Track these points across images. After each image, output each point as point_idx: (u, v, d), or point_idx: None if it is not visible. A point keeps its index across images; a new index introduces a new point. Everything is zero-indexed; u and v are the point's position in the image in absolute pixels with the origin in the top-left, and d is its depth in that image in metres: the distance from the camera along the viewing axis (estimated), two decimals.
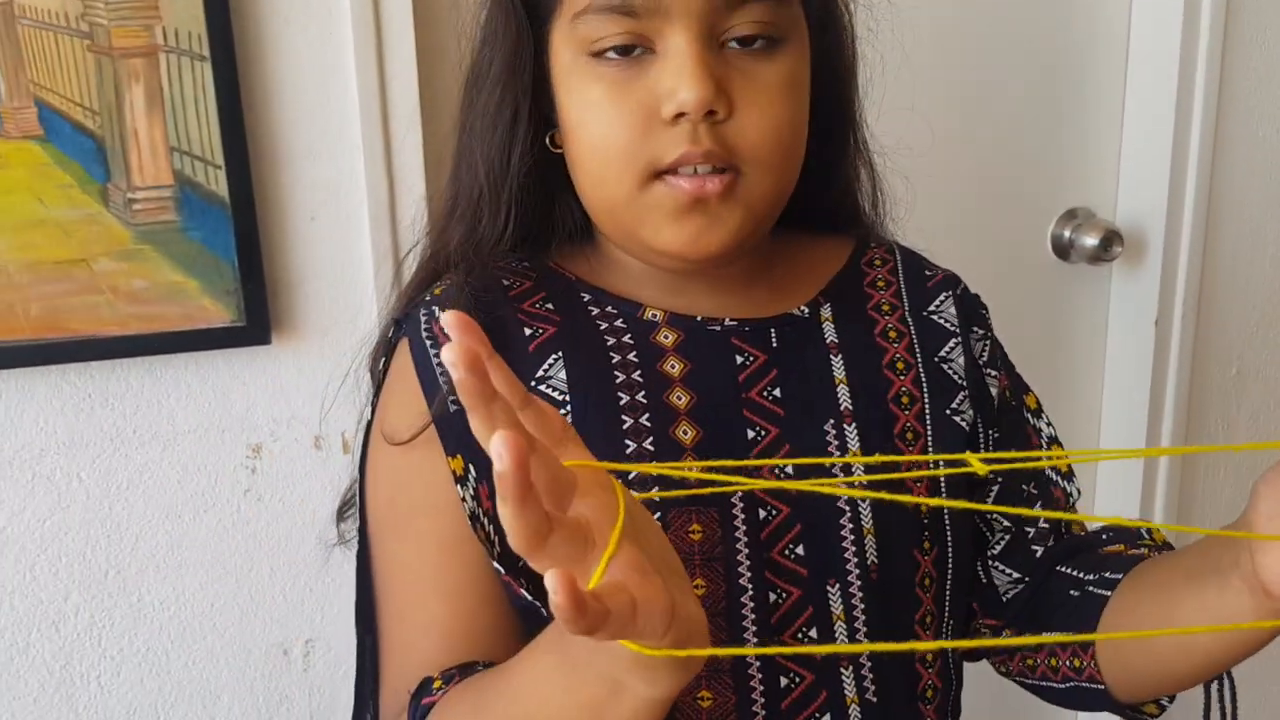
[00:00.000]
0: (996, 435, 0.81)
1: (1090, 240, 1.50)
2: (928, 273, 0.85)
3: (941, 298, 0.83)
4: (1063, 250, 1.54)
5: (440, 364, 0.76)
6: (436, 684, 0.70)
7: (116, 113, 1.11)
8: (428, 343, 0.77)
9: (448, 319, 0.46)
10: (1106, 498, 1.66)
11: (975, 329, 0.83)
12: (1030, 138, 1.51)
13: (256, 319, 1.17)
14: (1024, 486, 0.81)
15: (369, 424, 0.81)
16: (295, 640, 1.29)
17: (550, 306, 0.78)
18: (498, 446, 0.41)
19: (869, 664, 0.75)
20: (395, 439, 0.76)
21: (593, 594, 0.42)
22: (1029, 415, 0.83)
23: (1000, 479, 0.81)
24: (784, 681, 0.73)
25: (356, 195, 1.20)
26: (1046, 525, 0.80)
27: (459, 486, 0.74)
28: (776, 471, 0.74)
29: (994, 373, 0.82)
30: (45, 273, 1.11)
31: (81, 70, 1.09)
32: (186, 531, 1.23)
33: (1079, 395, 1.63)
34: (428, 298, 0.80)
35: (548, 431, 0.50)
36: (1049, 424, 0.85)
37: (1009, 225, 1.53)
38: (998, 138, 1.50)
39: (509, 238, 0.79)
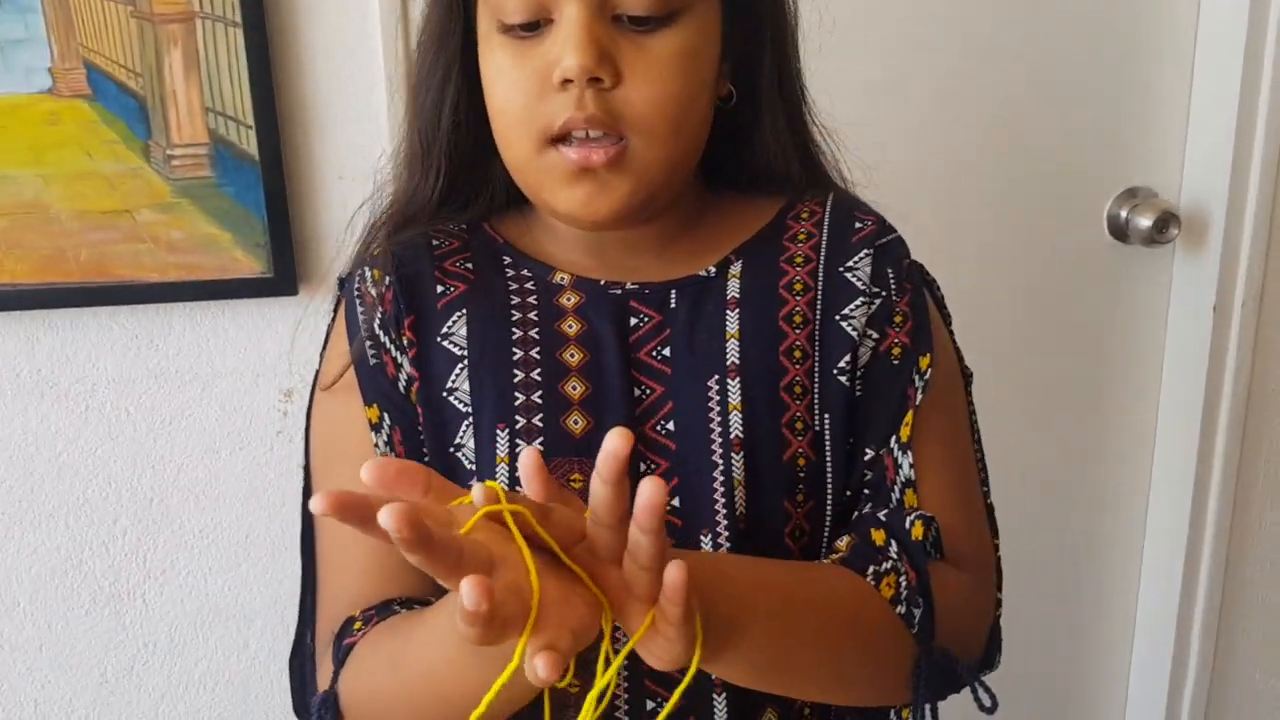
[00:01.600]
0: (860, 393, 0.79)
1: (1145, 221, 1.44)
2: (857, 225, 0.82)
3: (861, 254, 0.80)
4: (1119, 231, 1.49)
5: (365, 318, 0.81)
6: (357, 625, 0.76)
7: (157, 75, 1.19)
8: (357, 300, 0.83)
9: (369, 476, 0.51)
10: (1159, 495, 1.61)
11: (877, 288, 0.80)
12: (1091, 110, 1.45)
13: (284, 271, 1.25)
14: (869, 449, 0.79)
15: (317, 373, 0.87)
16: None
17: (469, 266, 0.83)
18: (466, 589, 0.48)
19: None
20: (324, 385, 0.83)
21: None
22: (915, 375, 0.79)
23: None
24: None
25: (382, 156, 1.25)
26: (866, 492, 0.79)
27: (374, 434, 0.80)
28: (660, 429, 0.77)
29: (874, 333, 0.79)
30: (93, 221, 1.21)
31: (125, 35, 1.18)
32: (224, 466, 1.33)
33: (1135, 384, 1.57)
34: (367, 258, 0.85)
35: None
36: (925, 387, 0.79)
37: (1063, 202, 1.48)
38: (1056, 110, 1.45)
39: (440, 195, 0.83)
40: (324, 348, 0.87)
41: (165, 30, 1.18)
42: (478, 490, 0.53)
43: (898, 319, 0.80)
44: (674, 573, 0.53)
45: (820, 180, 0.86)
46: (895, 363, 0.80)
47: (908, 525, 0.74)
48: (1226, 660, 1.65)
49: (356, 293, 0.83)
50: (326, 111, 1.24)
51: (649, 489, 0.52)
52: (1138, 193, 1.48)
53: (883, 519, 0.75)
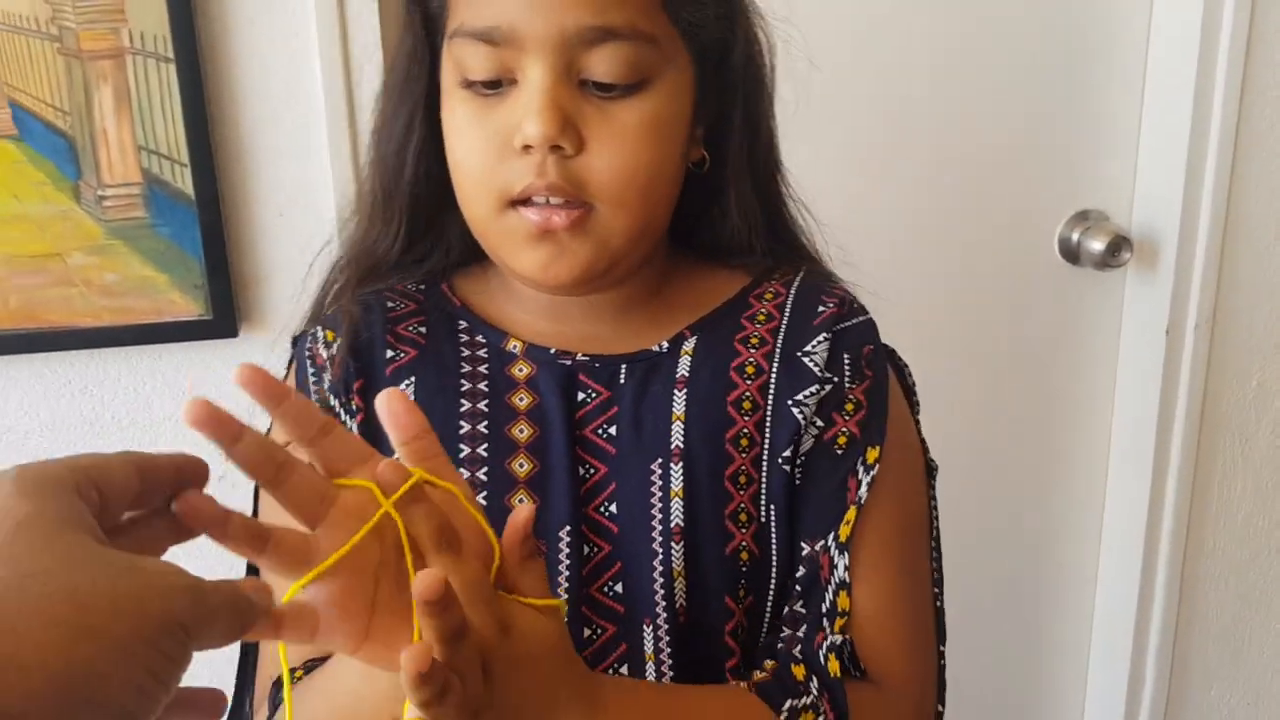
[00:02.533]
0: (799, 481, 0.75)
1: (1097, 245, 1.43)
2: (819, 308, 0.78)
3: (819, 338, 0.77)
4: (1071, 254, 1.48)
5: (316, 383, 0.79)
6: (299, 673, 0.72)
7: (86, 113, 1.14)
8: (308, 362, 0.80)
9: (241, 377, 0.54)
10: (1113, 518, 1.61)
11: (830, 373, 0.76)
12: (1043, 133, 1.45)
13: (223, 312, 1.21)
14: (805, 544, 0.75)
15: (268, 433, 0.84)
16: None
17: (423, 330, 0.79)
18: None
19: None
20: None
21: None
22: (860, 468, 0.75)
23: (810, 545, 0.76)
24: None
25: (324, 191, 1.22)
26: (798, 589, 0.75)
27: None
28: (603, 510, 0.74)
29: (820, 420, 0.75)
30: (21, 266, 1.17)
31: (52, 72, 1.13)
32: None
33: (1088, 408, 1.57)
34: (320, 317, 0.82)
35: (347, 454, 0.57)
36: (870, 482, 0.75)
37: (1015, 225, 1.47)
38: (1009, 131, 1.44)
39: (401, 247, 0.80)
40: None
41: (94, 67, 1.13)
42: (384, 467, 0.54)
43: (849, 406, 0.76)
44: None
45: (793, 253, 0.83)
46: (839, 452, 0.75)
47: (823, 660, 0.71)
48: (1182, 678, 1.65)
49: (308, 353, 0.80)
50: (264, 147, 1.20)
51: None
52: (1089, 216, 1.48)
53: (799, 656, 0.72)
